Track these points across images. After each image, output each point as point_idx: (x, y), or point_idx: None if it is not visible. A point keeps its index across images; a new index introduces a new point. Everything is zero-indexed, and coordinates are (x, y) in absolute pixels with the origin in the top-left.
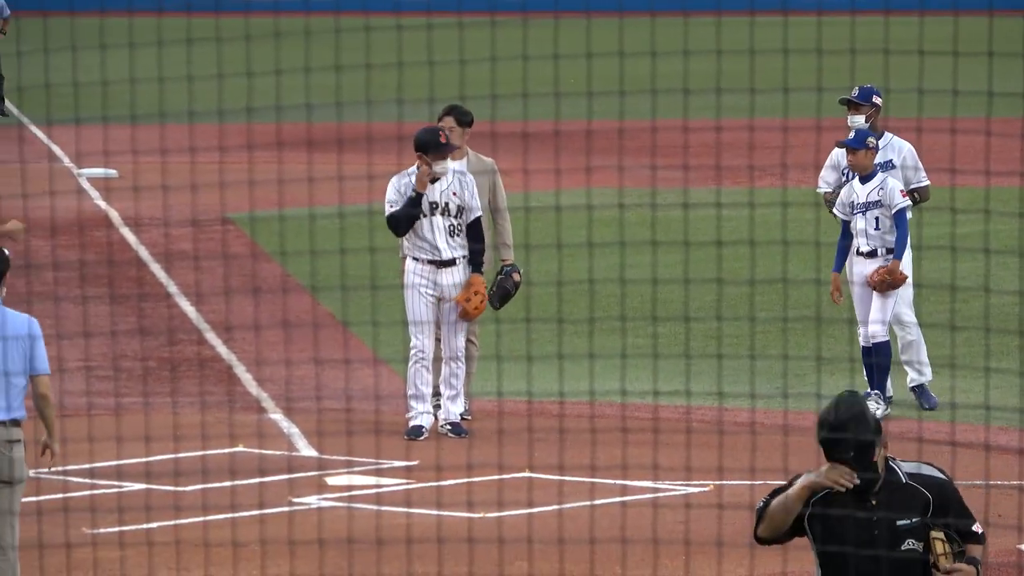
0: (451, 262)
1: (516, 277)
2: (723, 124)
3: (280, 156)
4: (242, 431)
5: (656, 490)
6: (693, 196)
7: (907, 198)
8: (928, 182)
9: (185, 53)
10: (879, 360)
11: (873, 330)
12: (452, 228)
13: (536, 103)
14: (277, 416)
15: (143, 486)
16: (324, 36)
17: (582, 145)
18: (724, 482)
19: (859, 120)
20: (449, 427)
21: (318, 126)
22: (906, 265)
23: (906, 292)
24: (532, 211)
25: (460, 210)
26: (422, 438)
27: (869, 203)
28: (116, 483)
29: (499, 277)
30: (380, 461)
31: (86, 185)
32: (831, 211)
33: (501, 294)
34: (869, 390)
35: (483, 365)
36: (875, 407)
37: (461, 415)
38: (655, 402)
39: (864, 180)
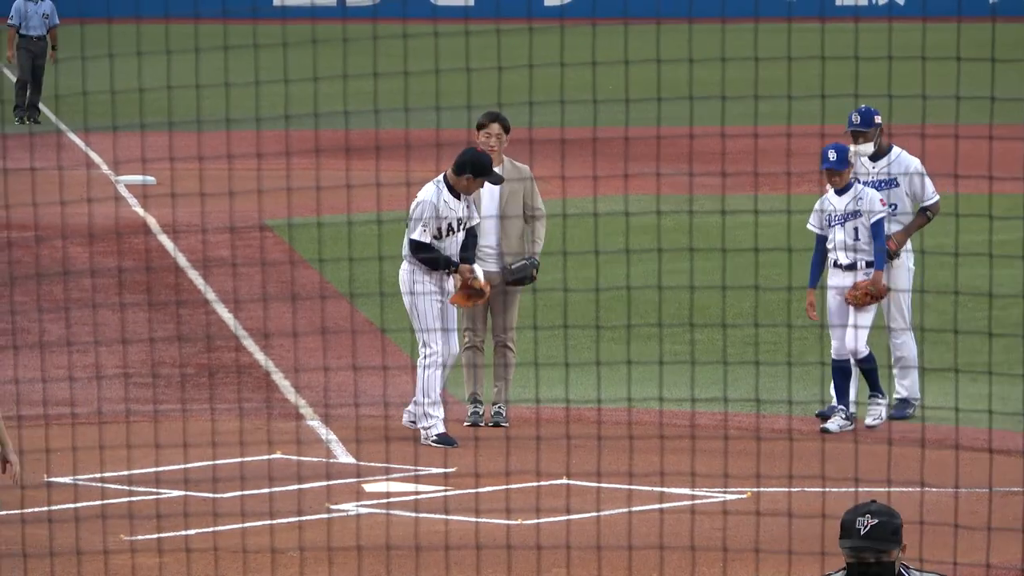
0: (456, 269)
1: (535, 272)
2: (760, 131)
3: (318, 163)
4: (280, 438)
5: (694, 497)
6: (730, 203)
7: (886, 207)
8: (938, 197)
9: (222, 59)
10: (867, 368)
11: (858, 347)
12: (458, 240)
13: (573, 110)
14: (315, 423)
15: (181, 493)
16: (362, 43)
17: (619, 151)
18: (761, 489)
19: (868, 148)
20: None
21: (356, 132)
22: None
23: (904, 298)
24: (569, 218)
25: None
26: (455, 446)
27: (848, 213)
28: (154, 490)
29: (524, 261)
30: (418, 468)
31: (124, 192)
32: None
33: (519, 271)
34: (835, 404)
35: (521, 372)
36: (878, 417)
37: (499, 422)
38: (692, 409)
39: (839, 192)
